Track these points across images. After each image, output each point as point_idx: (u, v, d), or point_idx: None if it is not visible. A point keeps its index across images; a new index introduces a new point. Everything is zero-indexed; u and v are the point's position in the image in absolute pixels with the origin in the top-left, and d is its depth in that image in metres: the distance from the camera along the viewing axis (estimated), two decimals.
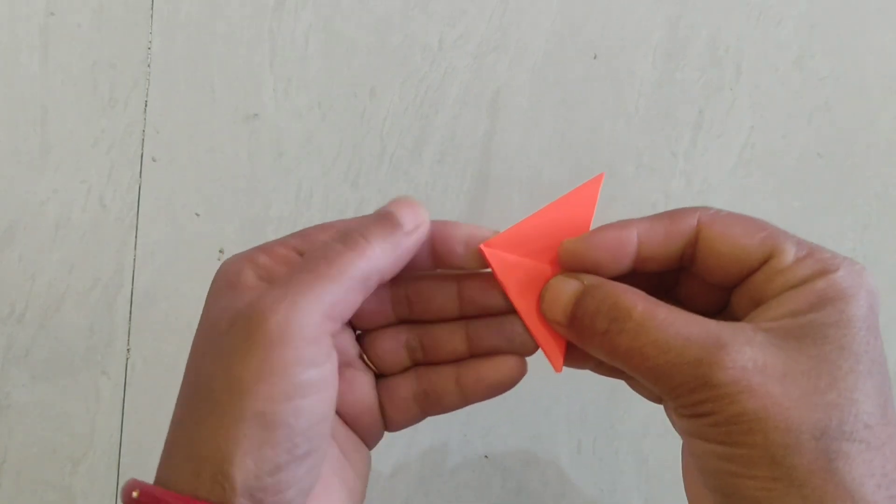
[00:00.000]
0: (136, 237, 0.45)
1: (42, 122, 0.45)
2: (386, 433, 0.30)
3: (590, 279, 0.26)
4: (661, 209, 0.44)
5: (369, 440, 0.29)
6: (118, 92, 0.45)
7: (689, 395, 0.23)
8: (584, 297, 0.25)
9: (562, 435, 0.44)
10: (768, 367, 0.22)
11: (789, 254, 0.24)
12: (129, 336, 0.45)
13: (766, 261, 0.24)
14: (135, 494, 0.22)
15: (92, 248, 0.45)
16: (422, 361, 0.29)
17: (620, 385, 0.44)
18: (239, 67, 0.45)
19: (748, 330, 0.23)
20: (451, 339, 0.28)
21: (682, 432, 0.24)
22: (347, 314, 0.24)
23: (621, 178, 0.44)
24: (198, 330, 0.25)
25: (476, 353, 0.28)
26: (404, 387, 0.29)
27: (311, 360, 0.22)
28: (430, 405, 0.29)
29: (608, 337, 0.24)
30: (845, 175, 0.45)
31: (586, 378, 0.44)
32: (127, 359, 0.45)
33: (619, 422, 0.44)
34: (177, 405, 0.25)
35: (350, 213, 0.45)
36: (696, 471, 0.24)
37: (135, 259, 0.45)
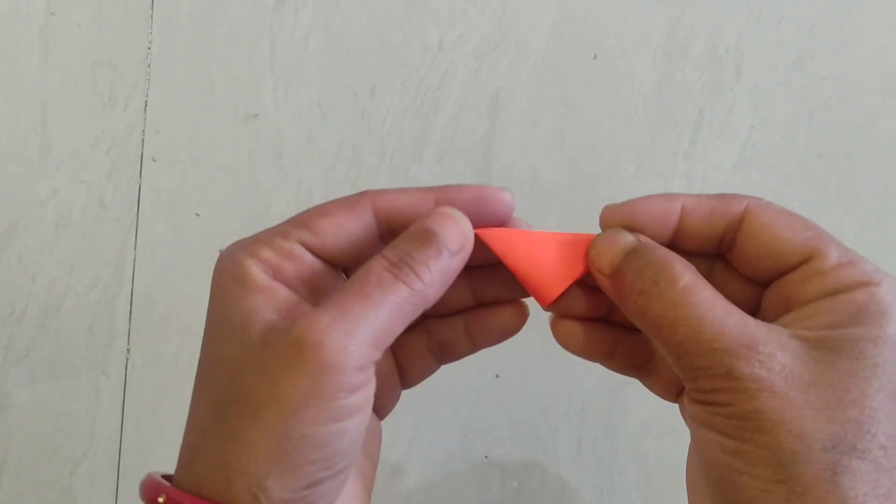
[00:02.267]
0: (136, 237, 0.45)
1: (42, 122, 0.45)
2: (382, 425, 0.30)
3: (647, 239, 0.26)
4: None
5: (386, 404, 0.30)
6: (118, 92, 0.45)
7: (708, 380, 0.23)
8: (635, 252, 0.25)
9: (562, 435, 0.44)
10: (796, 375, 0.22)
11: (831, 257, 0.24)
12: (129, 336, 0.45)
13: (805, 261, 0.24)
14: (161, 500, 0.22)
15: (92, 248, 0.45)
16: (430, 314, 0.29)
17: (620, 385, 0.44)
18: (239, 67, 0.45)
19: (784, 335, 0.23)
20: (456, 290, 0.28)
21: (692, 419, 0.24)
22: (391, 342, 0.24)
23: (621, 178, 0.44)
24: (214, 327, 0.25)
25: (481, 302, 0.29)
26: (417, 341, 0.29)
27: (358, 386, 0.23)
28: (445, 355, 0.29)
29: (644, 298, 0.24)
30: (845, 175, 0.45)
31: (586, 378, 0.44)
32: (127, 359, 0.45)
33: (619, 422, 0.44)
34: (199, 408, 0.24)
35: None
36: (698, 463, 0.24)
37: (135, 259, 0.45)
